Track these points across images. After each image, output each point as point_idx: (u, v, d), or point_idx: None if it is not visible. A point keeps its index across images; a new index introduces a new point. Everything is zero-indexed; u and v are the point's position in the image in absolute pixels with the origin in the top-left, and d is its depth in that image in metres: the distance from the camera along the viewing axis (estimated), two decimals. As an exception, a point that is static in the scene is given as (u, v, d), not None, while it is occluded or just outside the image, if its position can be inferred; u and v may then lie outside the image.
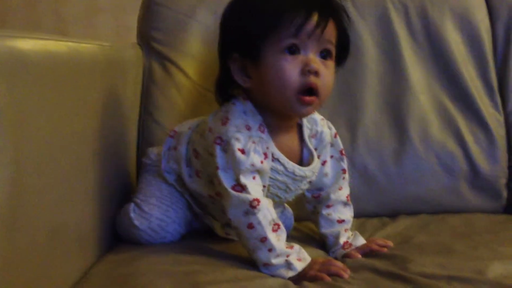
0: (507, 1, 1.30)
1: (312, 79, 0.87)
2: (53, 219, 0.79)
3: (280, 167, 0.94)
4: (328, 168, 1.04)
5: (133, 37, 1.31)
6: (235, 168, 0.87)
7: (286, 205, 1.11)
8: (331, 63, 0.91)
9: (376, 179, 1.23)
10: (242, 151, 0.87)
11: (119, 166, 1.12)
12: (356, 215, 1.10)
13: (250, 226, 0.86)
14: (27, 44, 0.73)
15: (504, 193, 1.25)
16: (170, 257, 0.94)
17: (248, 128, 0.90)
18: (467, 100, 1.26)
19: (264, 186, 0.91)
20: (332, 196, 1.03)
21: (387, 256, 0.94)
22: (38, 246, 0.75)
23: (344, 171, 1.05)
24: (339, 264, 0.89)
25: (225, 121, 0.90)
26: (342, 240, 1.01)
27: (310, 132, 1.01)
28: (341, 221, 1.03)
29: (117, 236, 1.05)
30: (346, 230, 1.03)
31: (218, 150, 0.88)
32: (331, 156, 1.04)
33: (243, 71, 0.91)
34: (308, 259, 0.89)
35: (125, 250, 0.99)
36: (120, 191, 1.10)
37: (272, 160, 0.92)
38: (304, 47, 0.88)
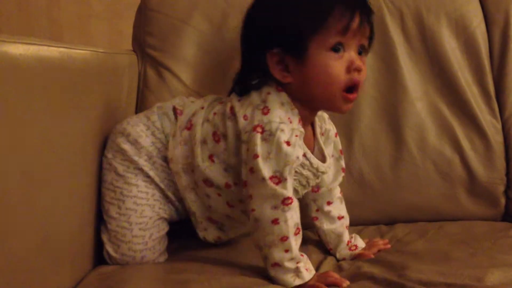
0: (503, 6, 1.29)
1: (356, 76, 0.90)
2: (45, 227, 0.78)
3: (306, 162, 0.95)
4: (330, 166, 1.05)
5: (127, 43, 1.30)
6: (279, 159, 0.85)
7: None
8: (365, 59, 0.94)
9: (373, 186, 1.22)
10: (288, 143, 0.86)
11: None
12: (353, 223, 1.09)
13: (275, 221, 0.85)
14: (18, 49, 0.72)
15: (502, 201, 1.24)
16: (163, 265, 0.94)
17: (290, 121, 0.90)
18: (464, 107, 1.25)
19: None
20: (333, 192, 1.06)
21: (385, 263, 0.93)
22: (29, 253, 0.74)
23: (343, 169, 1.07)
24: (336, 275, 0.88)
25: (265, 111, 0.89)
26: (345, 238, 1.05)
27: (320, 130, 1.03)
28: (341, 217, 1.07)
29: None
30: (346, 226, 1.07)
31: (258, 139, 0.86)
32: (331, 156, 1.05)
33: (281, 65, 0.91)
34: (313, 271, 0.89)
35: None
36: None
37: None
38: (348, 45, 0.90)
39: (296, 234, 0.87)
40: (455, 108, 1.25)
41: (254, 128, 0.87)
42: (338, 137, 1.07)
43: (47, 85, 0.79)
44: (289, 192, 0.85)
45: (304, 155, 0.93)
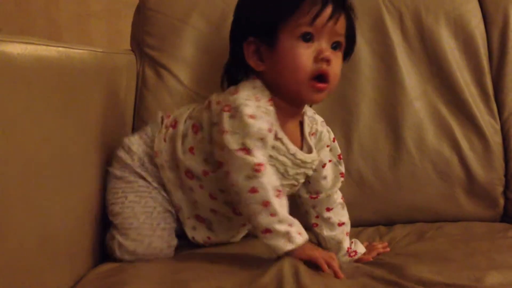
0: (502, 6, 1.29)
1: (325, 66, 0.92)
2: (44, 226, 0.78)
3: (282, 147, 0.95)
4: (328, 171, 1.06)
5: (126, 42, 1.30)
6: (242, 132, 0.87)
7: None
8: (340, 54, 0.96)
9: (372, 186, 1.22)
10: (251, 116, 0.88)
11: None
12: (352, 224, 1.09)
13: (253, 190, 0.85)
14: (16, 49, 0.72)
15: (501, 201, 1.24)
16: (162, 265, 0.93)
17: (258, 99, 0.91)
18: (463, 106, 1.25)
19: None
20: (333, 198, 1.06)
21: (384, 264, 0.94)
22: (27, 253, 0.74)
23: (342, 174, 1.07)
24: (337, 263, 0.87)
25: (234, 92, 0.92)
26: (346, 245, 1.04)
27: (310, 130, 1.03)
28: (341, 224, 1.06)
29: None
30: (347, 233, 1.06)
31: (225, 116, 0.89)
32: (330, 161, 1.06)
33: (257, 55, 0.95)
34: (306, 236, 0.87)
35: (117, 259, 0.97)
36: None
37: (276, 139, 0.94)
38: (318, 36, 0.92)
39: (278, 196, 0.86)
40: (454, 108, 1.25)
41: (222, 109, 0.90)
42: (336, 142, 1.07)
43: (45, 84, 0.79)
44: (258, 159, 0.86)
45: (280, 140, 0.94)
